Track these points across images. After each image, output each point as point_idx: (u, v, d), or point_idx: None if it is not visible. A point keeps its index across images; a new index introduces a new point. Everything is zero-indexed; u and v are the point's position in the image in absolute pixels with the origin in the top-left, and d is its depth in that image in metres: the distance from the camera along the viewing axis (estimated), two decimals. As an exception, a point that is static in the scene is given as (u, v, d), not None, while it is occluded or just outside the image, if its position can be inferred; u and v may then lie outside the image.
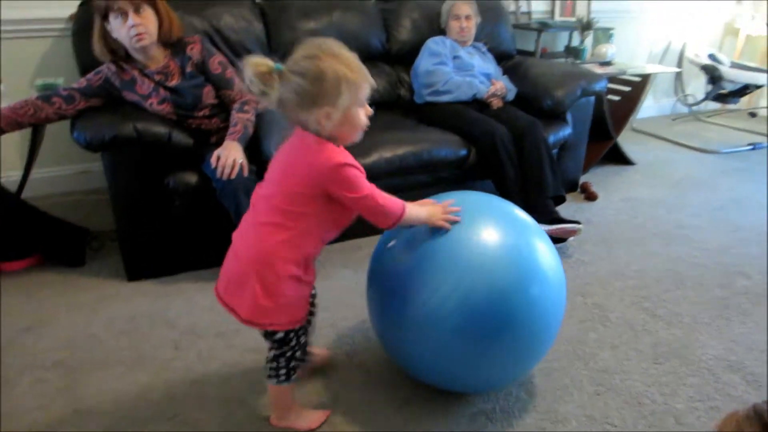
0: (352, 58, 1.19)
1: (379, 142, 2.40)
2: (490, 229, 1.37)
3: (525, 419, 1.53)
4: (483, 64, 2.96)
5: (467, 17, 2.89)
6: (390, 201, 1.29)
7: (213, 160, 1.89)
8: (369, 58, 2.93)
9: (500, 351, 1.36)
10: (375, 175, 2.31)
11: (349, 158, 1.21)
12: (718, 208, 2.95)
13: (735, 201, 3.04)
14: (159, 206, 2.09)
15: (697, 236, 2.63)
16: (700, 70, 4.15)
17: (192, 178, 2.06)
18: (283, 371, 1.38)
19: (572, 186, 3.10)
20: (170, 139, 2.01)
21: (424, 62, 2.84)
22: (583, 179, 3.17)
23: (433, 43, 2.88)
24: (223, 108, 2.17)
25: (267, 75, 1.13)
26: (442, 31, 2.98)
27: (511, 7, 3.75)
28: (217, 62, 2.13)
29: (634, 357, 1.79)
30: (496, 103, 2.82)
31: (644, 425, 1.52)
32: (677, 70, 4.53)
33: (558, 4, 3.89)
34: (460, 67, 2.86)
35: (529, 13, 3.85)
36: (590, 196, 3.01)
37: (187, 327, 1.91)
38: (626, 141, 3.97)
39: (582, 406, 1.58)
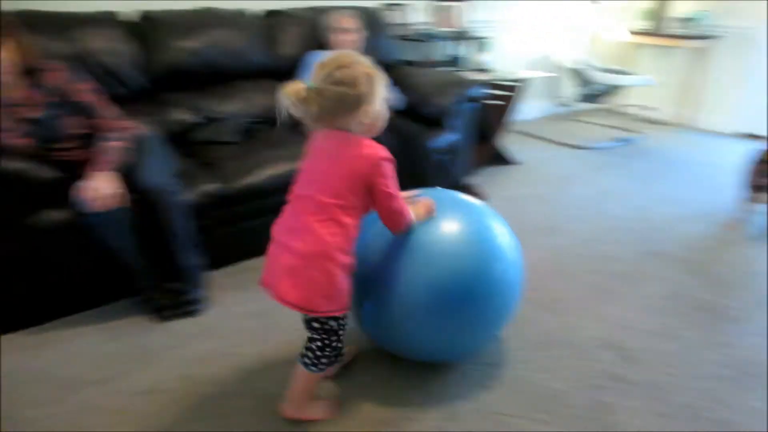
0: (367, 60, 1.36)
1: (268, 159, 2.39)
2: (453, 219, 1.56)
3: (424, 420, 1.57)
4: (368, 76, 3.01)
5: (351, 30, 2.94)
6: (407, 208, 1.46)
7: (79, 193, 1.79)
8: (254, 74, 2.91)
9: (468, 323, 1.55)
10: (264, 193, 2.31)
11: (388, 154, 1.37)
12: (591, 199, 3.20)
13: (606, 192, 3.31)
14: (22, 248, 1.91)
15: (575, 227, 2.83)
16: (571, 74, 4.48)
17: (59, 215, 1.91)
18: (324, 360, 1.48)
19: (462, 188, 3.23)
20: (29, 174, 1.86)
21: (303, 77, 2.85)
22: (471, 181, 3.31)
23: (311, 57, 2.90)
24: (93, 138, 2.04)
25: (306, 96, 1.30)
26: (324, 45, 3.01)
27: (394, 19, 3.86)
28: (84, 90, 2.01)
29: (521, 346, 1.90)
30: (383, 114, 2.88)
31: (533, 410, 1.61)
32: (551, 74, 4.86)
33: (437, 15, 4.06)
34: (344, 80, 2.90)
35: (411, 25, 3.98)
36: (479, 197, 3.14)
37: (64, 378, 1.76)
38: (510, 142, 4.20)
39: (475, 400, 1.65)
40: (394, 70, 3.32)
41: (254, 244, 2.44)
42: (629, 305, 2.16)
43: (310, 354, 1.48)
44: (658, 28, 4.78)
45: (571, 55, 4.68)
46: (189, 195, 2.15)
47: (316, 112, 1.31)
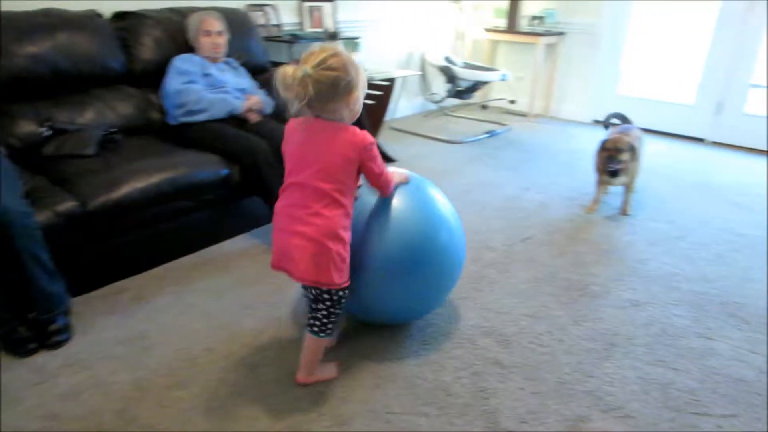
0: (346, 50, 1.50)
1: (131, 172, 2.22)
2: (402, 197, 1.75)
3: (314, 429, 1.55)
4: (236, 79, 2.92)
5: (219, 33, 2.83)
6: (391, 178, 1.69)
7: None
8: (109, 81, 2.71)
9: (423, 285, 1.79)
10: (129, 208, 2.16)
11: (372, 137, 1.53)
12: (467, 191, 3.34)
13: (479, 184, 3.48)
14: None
15: (452, 220, 2.94)
16: (439, 71, 4.65)
17: None
18: (330, 326, 1.64)
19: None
20: None
21: (172, 82, 2.71)
22: (350, 181, 3.33)
23: (180, 62, 2.76)
24: None
25: (302, 79, 1.39)
26: (189, 48, 2.87)
27: (261, 20, 3.77)
28: None
29: (406, 343, 1.93)
30: (254, 118, 2.81)
31: (419, 405, 1.65)
32: (419, 73, 5.01)
33: (306, 15, 4.02)
34: (211, 84, 2.79)
35: (279, 26, 3.91)
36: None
37: None
38: (387, 139, 4.28)
39: (364, 402, 1.66)
40: (263, 72, 3.25)
41: (122, 264, 2.29)
42: (504, 291, 2.28)
43: (317, 323, 1.64)
44: (512, 26, 5.09)
45: (437, 53, 4.86)
46: (42, 216, 1.94)
47: (311, 95, 1.41)
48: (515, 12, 5.05)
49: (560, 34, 5.01)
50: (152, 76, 2.81)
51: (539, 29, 4.96)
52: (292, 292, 2.21)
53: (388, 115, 4.78)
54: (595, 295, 2.28)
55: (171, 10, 2.96)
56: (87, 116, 2.57)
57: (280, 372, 1.77)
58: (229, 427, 1.55)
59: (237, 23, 3.11)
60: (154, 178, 2.24)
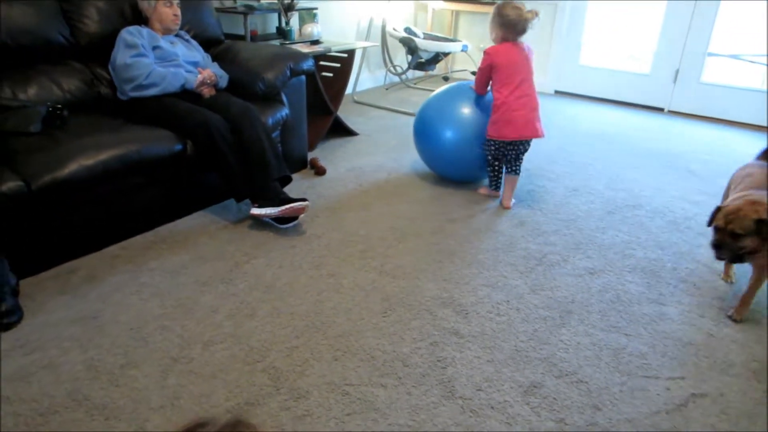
0: None
1: (77, 149, 2.13)
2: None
3: (269, 404, 1.55)
4: (188, 52, 2.83)
5: (170, 3, 2.72)
6: None
7: None
8: (53, 55, 2.59)
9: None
10: (77, 186, 2.08)
11: None
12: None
13: (441, 156, 3.47)
14: None
15: (413, 192, 2.94)
16: (400, 43, 4.58)
17: None
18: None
19: (302, 164, 3.20)
20: None
21: (120, 55, 2.60)
22: (311, 155, 3.29)
23: (127, 34, 2.64)
24: None
25: (526, 19, 2.67)
26: (138, 20, 2.76)
27: (215, -9, 3.65)
28: None
29: (366, 315, 1.94)
30: (208, 92, 2.73)
31: (377, 376, 1.66)
32: (376, 44, 4.94)
33: (262, -15, 3.91)
34: (162, 57, 2.69)
35: (234, -3, 3.80)
36: (319, 171, 3.14)
37: None
38: (350, 113, 4.24)
39: (322, 375, 1.66)
40: (217, 45, 3.16)
41: (74, 243, 2.22)
42: (464, 262, 2.30)
43: (520, 166, 2.80)
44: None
45: (398, 24, 4.79)
46: (-15, 197, 1.86)
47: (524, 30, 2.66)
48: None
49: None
50: (100, 50, 2.70)
51: (501, -1, 4.92)
52: (249, 267, 2.19)
53: (350, 89, 4.72)
54: (552, 264, 2.31)
55: (116, -20, 2.83)
56: (30, 92, 2.46)
57: (235, 348, 1.76)
58: (184, 405, 1.53)
59: (188, -7, 2.99)
60: (103, 155, 2.16)
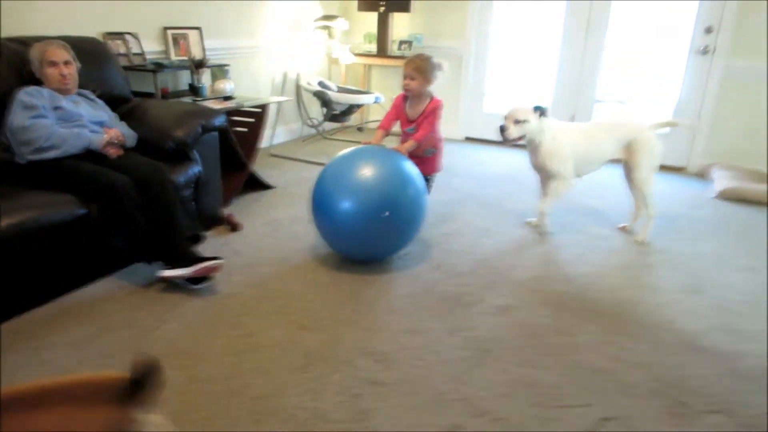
0: None
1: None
2: (375, 161, 2.59)
3: (185, 477, 1.47)
4: (93, 111, 2.75)
5: (66, 63, 2.65)
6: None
7: None
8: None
9: (392, 230, 2.56)
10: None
11: None
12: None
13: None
14: None
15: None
16: (314, 96, 4.68)
17: None
18: None
19: (216, 220, 3.15)
20: None
21: (17, 118, 2.49)
22: (226, 211, 3.25)
23: (25, 95, 2.54)
24: None
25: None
26: (36, 81, 2.67)
27: (121, 49, 3.60)
28: None
29: (286, 374, 1.90)
30: (114, 152, 2.66)
31: (298, 435, 1.62)
32: (289, 99, 5.02)
33: (171, 43, 3.90)
34: (64, 118, 2.60)
35: (142, 54, 3.76)
36: (235, 227, 3.10)
37: None
38: (266, 167, 4.24)
39: (241, 440, 1.61)
40: (124, 103, 3.10)
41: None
42: (382, 309, 2.32)
43: None
44: (382, 51, 5.27)
45: (312, 78, 4.90)
46: None
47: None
48: (384, 37, 5.23)
49: (428, 56, 5.26)
50: (-5, 111, 2.58)
51: (408, 53, 5.16)
52: (160, 333, 2.11)
53: (266, 142, 4.74)
54: (468, 304, 2.38)
55: (11, 39, 2.74)
56: None
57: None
58: None
59: (90, 52, 2.94)
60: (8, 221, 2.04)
